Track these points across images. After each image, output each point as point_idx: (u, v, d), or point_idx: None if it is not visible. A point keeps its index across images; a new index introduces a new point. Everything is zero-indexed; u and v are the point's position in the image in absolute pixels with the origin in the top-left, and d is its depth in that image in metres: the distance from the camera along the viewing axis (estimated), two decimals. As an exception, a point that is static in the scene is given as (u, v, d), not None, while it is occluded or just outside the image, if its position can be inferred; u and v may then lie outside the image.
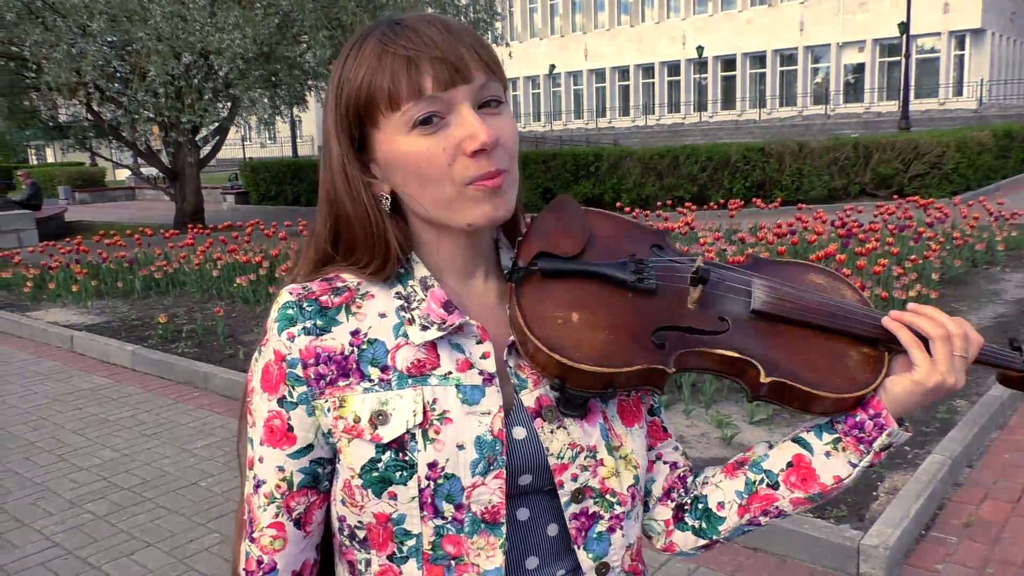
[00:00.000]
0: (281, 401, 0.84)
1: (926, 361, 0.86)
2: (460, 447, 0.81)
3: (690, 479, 1.01)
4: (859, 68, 36.06)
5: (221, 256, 8.83)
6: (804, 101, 37.07)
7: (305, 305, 0.84)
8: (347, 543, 0.87)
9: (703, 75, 40.26)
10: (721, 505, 0.96)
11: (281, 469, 0.86)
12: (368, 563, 0.86)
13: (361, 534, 0.85)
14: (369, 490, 0.82)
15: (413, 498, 0.81)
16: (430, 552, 0.83)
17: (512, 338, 0.87)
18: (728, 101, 39.60)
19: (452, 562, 0.83)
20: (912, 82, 32.60)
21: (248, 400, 0.88)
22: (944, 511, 3.31)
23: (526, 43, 42.49)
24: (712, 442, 3.93)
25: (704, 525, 0.97)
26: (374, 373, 0.83)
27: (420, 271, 0.88)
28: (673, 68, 41.36)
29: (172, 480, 4.10)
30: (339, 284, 0.87)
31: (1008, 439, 4.05)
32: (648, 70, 42.25)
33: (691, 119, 39.02)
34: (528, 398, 0.86)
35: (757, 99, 38.34)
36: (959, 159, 14.94)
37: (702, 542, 0.98)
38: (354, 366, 0.83)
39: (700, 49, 38.55)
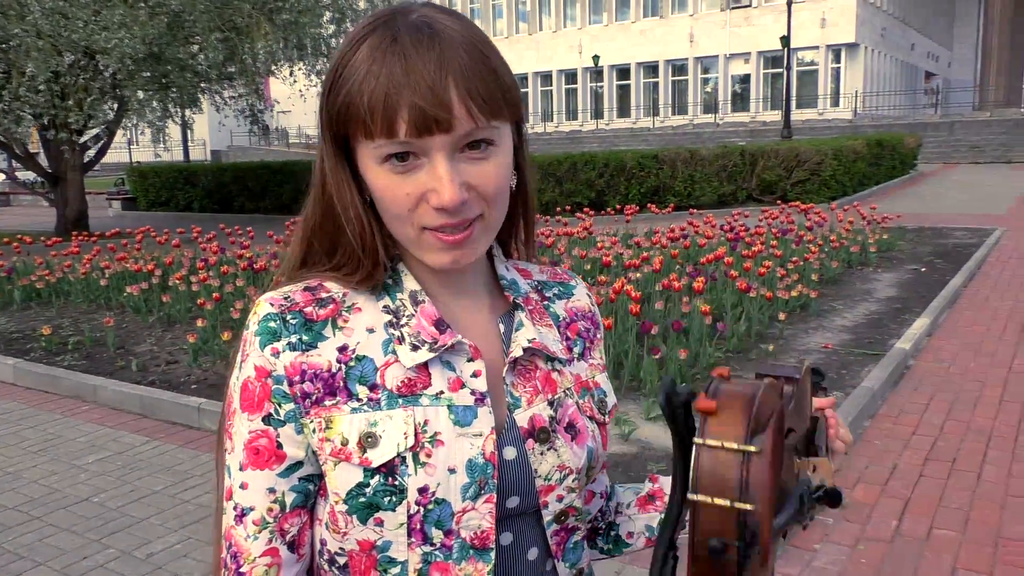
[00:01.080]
0: (267, 419, 0.79)
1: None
2: (451, 471, 0.77)
3: (605, 502, 1.00)
4: (745, 79, 37.72)
5: (109, 264, 8.49)
6: (695, 110, 38.48)
7: (289, 318, 0.79)
8: (325, 567, 0.83)
9: (599, 83, 41.21)
10: (631, 535, 0.99)
11: (272, 491, 0.80)
12: None
13: (341, 560, 0.80)
14: (354, 516, 0.77)
15: (401, 524, 0.77)
16: None
17: (513, 356, 0.84)
18: (623, 109, 40.68)
19: None
20: (793, 93, 34.42)
21: (227, 425, 0.82)
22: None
23: (425, 48, 42.38)
24: (612, 439, 4.09)
25: (611, 548, 1.01)
26: (362, 392, 0.79)
27: (410, 284, 0.84)
28: (570, 76, 42.16)
29: (62, 497, 3.94)
30: (323, 295, 0.82)
31: (878, 427, 4.37)
32: (546, 78, 42.91)
33: (588, 126, 39.85)
34: (521, 417, 0.83)
35: (651, 107, 39.54)
36: (836, 166, 15.86)
37: (603, 558, 1.02)
38: (341, 384, 0.79)
39: (596, 58, 39.45)
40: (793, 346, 5.76)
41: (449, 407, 0.79)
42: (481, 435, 0.79)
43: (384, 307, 0.82)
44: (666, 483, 0.98)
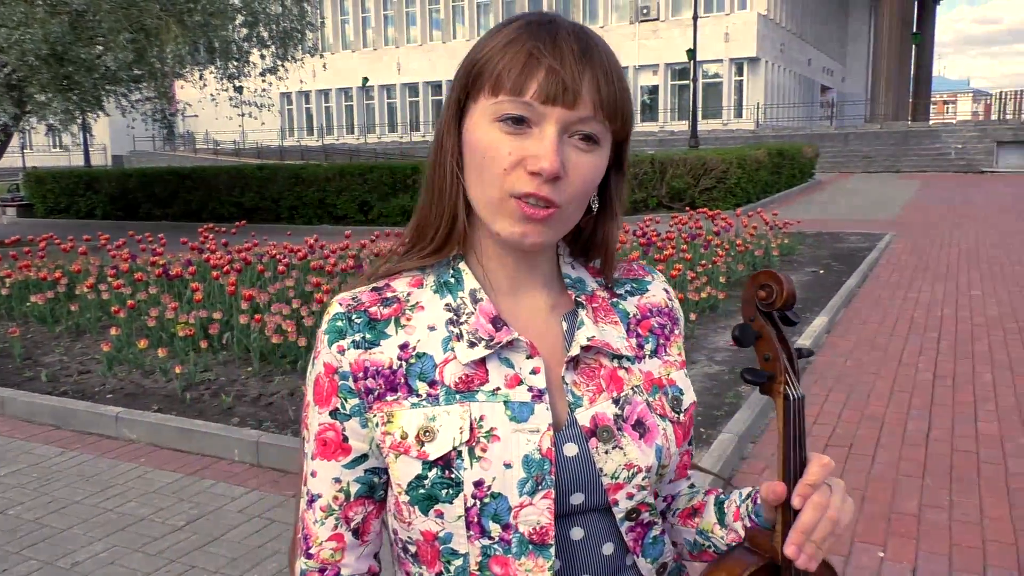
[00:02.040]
0: (334, 413, 0.84)
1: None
2: (507, 465, 0.79)
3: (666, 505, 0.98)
4: (654, 90, 38.77)
5: (11, 273, 8.15)
6: (607, 119, 39.28)
7: (354, 317, 0.84)
8: (402, 555, 0.87)
9: (513, 92, 41.61)
10: (674, 544, 0.97)
11: (337, 480, 0.85)
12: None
13: (412, 549, 0.85)
14: (416, 507, 0.81)
15: (459, 517, 0.80)
16: (477, 572, 0.82)
17: (572, 354, 0.85)
18: (537, 117, 41.16)
19: None
20: (700, 104, 35.60)
21: (303, 416, 0.88)
22: (732, 480, 3.80)
23: (338, 55, 41.93)
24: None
25: None
26: (422, 388, 0.82)
27: (470, 282, 0.86)
28: (485, 84, 42.42)
29: (-26, 511, 3.81)
30: (389, 294, 0.86)
31: (783, 417, 4.66)
32: (460, 85, 43.02)
33: (503, 134, 40.15)
34: (583, 416, 0.84)
35: (564, 116, 40.13)
36: (741, 175, 16.55)
37: None
38: (402, 380, 0.82)
39: (510, 67, 39.85)
40: (704, 345, 6.05)
41: (505, 403, 0.81)
42: (538, 431, 0.80)
43: (446, 305, 0.85)
44: (708, 511, 0.95)
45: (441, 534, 0.81)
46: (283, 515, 3.58)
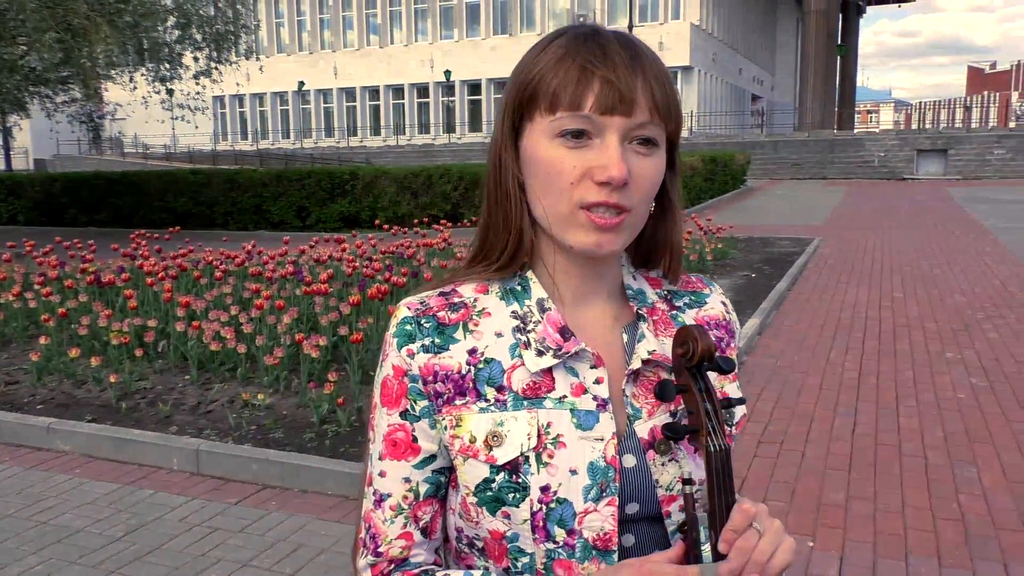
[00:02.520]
0: (404, 414, 0.86)
1: None
2: (573, 472, 0.81)
3: None
4: (591, 97, 39.30)
5: (-70, 281, 7.82)
6: (544, 126, 39.63)
7: (423, 322, 0.85)
8: (466, 551, 0.89)
9: (451, 98, 41.63)
10: None
11: (407, 480, 0.87)
12: (488, 570, 0.87)
13: (479, 544, 0.86)
14: (483, 508, 0.83)
15: (525, 520, 0.81)
16: (543, 571, 0.83)
17: (633, 367, 0.86)
18: (475, 123, 41.27)
19: None
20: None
21: (370, 418, 0.90)
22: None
23: (273, 58, 41.25)
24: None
25: None
26: (490, 393, 0.84)
27: (538, 292, 0.87)
28: (422, 90, 42.34)
29: None
30: (456, 300, 0.88)
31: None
32: (398, 91, 42.87)
33: (441, 140, 40.14)
34: (642, 428, 0.86)
35: (502, 122, 40.32)
36: (676, 181, 16.91)
37: None
38: (470, 385, 0.84)
39: (448, 73, 39.84)
40: (642, 347, 6.19)
41: (572, 411, 0.83)
42: (603, 439, 0.83)
43: (512, 312, 0.87)
44: None
45: (508, 533, 0.83)
46: (225, 523, 3.55)
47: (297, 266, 7.66)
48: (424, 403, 0.85)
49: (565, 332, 0.85)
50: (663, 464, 0.85)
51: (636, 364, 0.86)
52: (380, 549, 0.88)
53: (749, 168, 26.13)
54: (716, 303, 0.97)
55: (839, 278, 9.56)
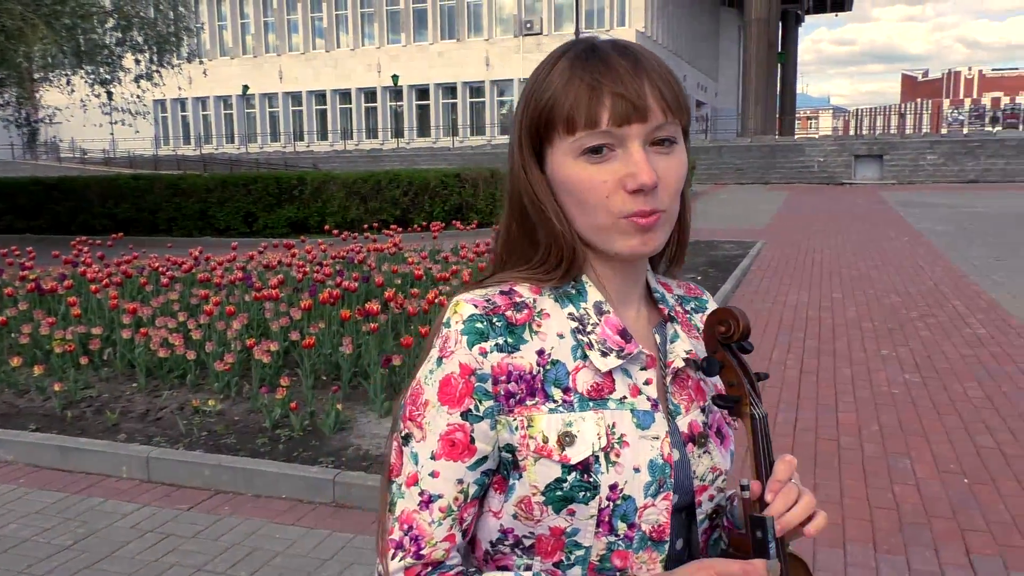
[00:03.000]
0: (466, 414, 0.84)
1: None
2: (636, 470, 0.85)
3: None
4: (539, 103, 39.57)
5: None
6: (492, 130, 39.75)
7: (494, 320, 0.85)
8: (506, 551, 0.89)
9: (399, 103, 41.49)
10: None
11: (460, 481, 0.85)
12: (528, 567, 0.88)
13: (528, 543, 0.87)
14: (549, 507, 0.84)
15: (591, 516, 0.84)
16: (597, 563, 0.87)
17: (675, 367, 0.91)
18: (423, 128, 41.21)
19: (617, 573, 0.87)
20: (583, 117, 36.49)
21: (411, 412, 0.87)
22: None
23: (216, 61, 40.56)
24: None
25: None
26: (557, 394, 0.85)
27: (594, 295, 0.90)
28: (370, 95, 42.10)
29: None
30: (518, 299, 0.88)
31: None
32: (345, 95, 42.55)
33: (389, 145, 39.97)
34: (682, 423, 0.91)
35: (450, 127, 40.37)
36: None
37: None
38: (539, 386, 0.85)
39: (395, 78, 39.71)
40: (591, 349, 6.30)
41: (632, 411, 0.87)
42: (658, 438, 0.87)
43: (569, 315, 0.89)
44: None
45: (569, 529, 0.85)
46: (178, 529, 3.53)
47: (246, 272, 7.59)
48: (489, 403, 0.84)
49: (625, 334, 0.89)
50: (699, 456, 0.90)
51: (679, 363, 0.91)
52: (423, 551, 0.86)
53: (694, 173, 26.60)
54: (713, 308, 1.05)
55: (781, 280, 9.84)
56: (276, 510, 3.71)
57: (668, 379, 0.91)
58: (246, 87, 42.68)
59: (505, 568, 0.89)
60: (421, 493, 0.85)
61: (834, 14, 66.56)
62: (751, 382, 0.90)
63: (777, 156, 33.34)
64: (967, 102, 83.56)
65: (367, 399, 4.89)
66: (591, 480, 0.83)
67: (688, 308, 1.01)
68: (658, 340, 0.93)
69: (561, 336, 0.87)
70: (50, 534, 3.51)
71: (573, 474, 0.83)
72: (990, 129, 45.16)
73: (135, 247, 10.18)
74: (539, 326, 0.87)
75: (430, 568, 0.86)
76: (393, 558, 0.86)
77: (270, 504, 3.77)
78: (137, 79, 15.28)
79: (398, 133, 41.08)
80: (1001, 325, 7.17)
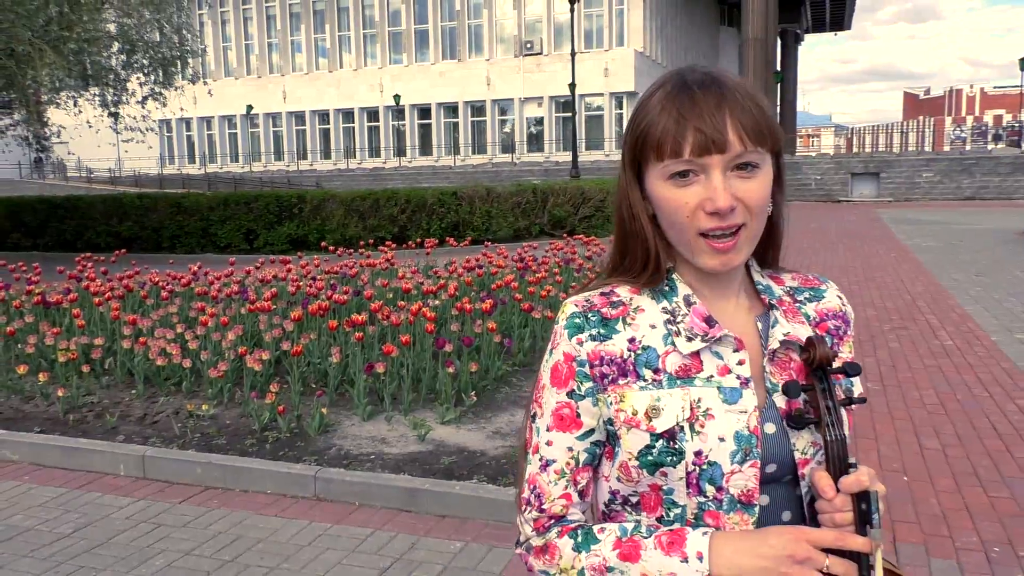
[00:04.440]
0: (570, 394, 1.02)
1: None
2: (721, 439, 0.97)
3: None
4: (540, 121, 39.99)
5: None
6: (494, 149, 40.21)
7: (590, 315, 1.02)
8: (619, 509, 1.05)
9: (401, 122, 41.99)
10: None
11: (570, 449, 1.02)
12: (639, 523, 1.01)
13: (634, 500, 1.02)
14: (644, 470, 0.98)
15: (681, 478, 0.97)
16: (692, 520, 0.99)
17: (771, 348, 1.02)
18: (425, 147, 41.69)
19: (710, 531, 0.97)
20: (583, 135, 36.98)
21: (536, 395, 1.06)
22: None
23: (221, 82, 41.17)
24: (411, 440, 4.61)
25: None
26: (647, 374, 0.99)
27: (683, 290, 1.03)
28: (372, 114, 42.63)
29: None
30: (615, 298, 1.04)
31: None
32: (348, 115, 43.09)
33: (391, 163, 40.42)
34: (780, 400, 1.01)
35: (452, 146, 40.84)
36: (617, 204, 17.48)
37: None
38: (631, 368, 1.00)
39: (397, 97, 40.22)
40: (571, 359, 6.58)
41: (719, 388, 0.99)
42: (746, 412, 0.98)
43: (663, 308, 1.03)
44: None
45: (665, 487, 0.99)
46: (170, 519, 3.82)
47: (242, 286, 7.90)
48: (589, 384, 1.01)
49: (710, 320, 1.01)
50: (798, 430, 1.00)
51: (775, 344, 1.03)
52: (544, 506, 1.03)
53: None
54: (832, 297, 1.13)
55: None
56: (261, 503, 3.99)
57: (766, 360, 1.02)
58: (250, 107, 43.26)
59: (622, 523, 1.03)
60: (541, 459, 1.04)
61: (833, 33, 67.21)
62: (834, 406, 0.98)
63: (774, 174, 33.64)
64: (969, 119, 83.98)
65: (352, 404, 5.19)
66: (676, 447, 0.96)
67: (801, 298, 1.11)
68: (760, 327, 1.05)
69: (653, 327, 1.02)
70: (51, 524, 3.80)
71: (660, 442, 0.97)
72: (992, 146, 45.44)
73: (137, 263, 10.50)
74: (632, 319, 1.02)
75: (552, 520, 1.04)
76: (524, 512, 1.06)
77: (255, 498, 4.06)
78: (142, 100, 15.69)
79: (400, 152, 41.55)
80: (969, 337, 7.43)
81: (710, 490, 0.97)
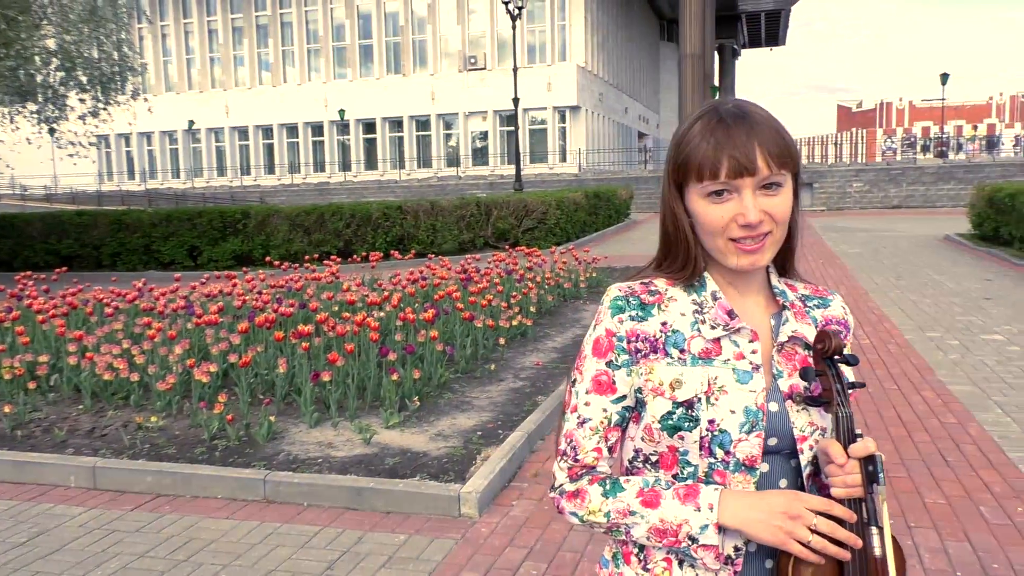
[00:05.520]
0: (609, 363, 1.21)
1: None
2: (732, 412, 1.15)
3: None
4: (484, 135, 40.31)
5: None
6: (439, 163, 40.39)
7: (631, 299, 1.21)
8: (640, 466, 1.23)
9: (346, 136, 41.92)
10: None
11: (604, 411, 1.21)
12: (658, 479, 1.19)
13: (654, 458, 1.21)
14: (664, 432, 1.16)
15: (695, 441, 1.15)
16: (703, 477, 1.17)
17: (781, 340, 1.21)
18: (371, 162, 41.67)
19: (719, 488, 1.16)
20: (528, 149, 37.45)
21: (578, 363, 1.25)
22: (521, 469, 4.56)
23: (161, 96, 40.60)
24: (356, 444, 4.82)
25: None
26: (674, 353, 1.18)
27: (712, 286, 1.22)
28: (317, 128, 42.47)
29: None
30: (653, 288, 1.23)
31: (571, 419, 5.51)
32: (292, 129, 42.85)
33: (336, 178, 40.31)
34: (783, 384, 1.20)
35: (397, 160, 40.92)
36: (560, 216, 17.87)
37: None
38: (661, 346, 1.19)
39: (342, 112, 40.17)
40: (512, 366, 6.85)
41: (733, 370, 1.18)
42: (755, 392, 1.17)
43: (692, 300, 1.22)
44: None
45: (681, 449, 1.17)
46: (123, 526, 3.97)
47: (188, 301, 7.99)
48: (625, 357, 1.21)
49: (731, 314, 1.20)
50: (797, 411, 1.19)
51: (783, 338, 1.22)
52: (578, 457, 1.22)
53: (632, 202, 27.52)
54: (837, 306, 1.32)
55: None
56: (212, 507, 4.16)
57: (775, 350, 1.21)
58: (192, 122, 42.73)
59: (643, 477, 1.22)
60: (579, 417, 1.23)
61: (768, 48, 69.20)
62: (843, 389, 1.17)
63: (714, 185, 34.55)
64: (899, 131, 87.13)
65: (299, 412, 5.37)
66: (693, 415, 1.15)
67: (810, 304, 1.30)
68: (773, 323, 1.24)
69: (683, 314, 1.21)
70: (5, 534, 3.92)
71: (680, 409, 1.15)
72: (921, 157, 47.23)
73: (79, 281, 10.46)
74: (666, 307, 1.21)
75: (584, 470, 1.22)
76: (560, 461, 1.25)
77: (207, 503, 4.23)
78: (83, 117, 15.54)
79: (345, 166, 41.46)
80: (884, 336, 7.93)
81: (719, 453, 1.15)
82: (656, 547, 1.19)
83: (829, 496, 1.15)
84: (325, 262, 11.72)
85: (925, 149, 59.69)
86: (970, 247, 15.81)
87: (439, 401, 5.73)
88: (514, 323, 7.74)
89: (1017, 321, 8.41)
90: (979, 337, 7.70)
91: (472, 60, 39.44)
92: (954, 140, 48.84)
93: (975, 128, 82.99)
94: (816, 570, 1.12)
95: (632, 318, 1.20)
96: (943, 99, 43.87)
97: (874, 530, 1.13)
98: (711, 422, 1.16)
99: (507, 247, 15.51)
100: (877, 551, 1.12)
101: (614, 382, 1.21)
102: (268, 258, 14.83)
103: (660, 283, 1.24)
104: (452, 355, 6.46)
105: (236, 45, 43.13)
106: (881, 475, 1.12)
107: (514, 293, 8.79)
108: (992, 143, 45.93)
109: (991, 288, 10.74)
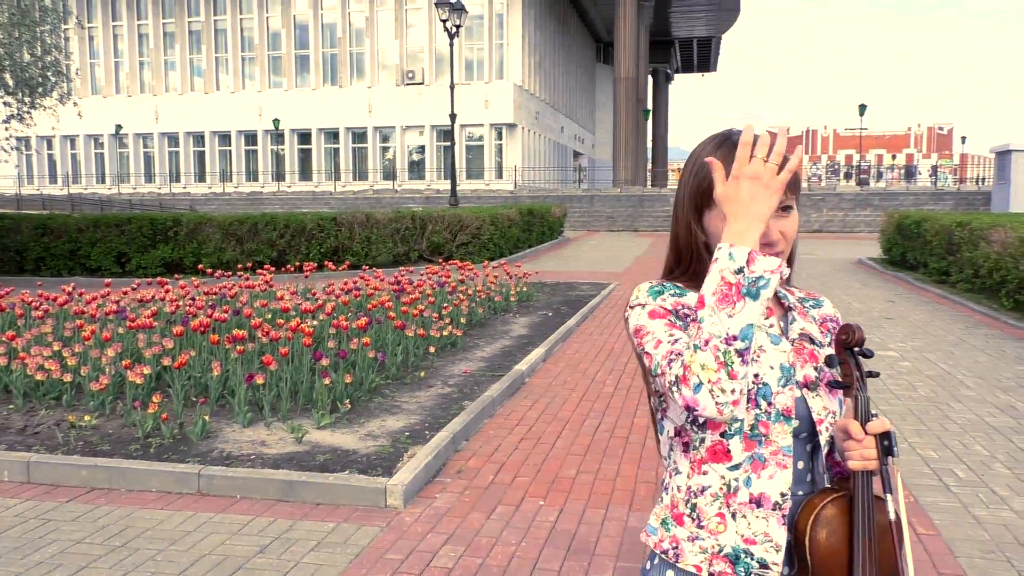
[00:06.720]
0: (668, 321, 1.32)
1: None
2: (771, 367, 1.31)
3: None
4: (421, 150, 40.61)
5: None
6: (375, 176, 40.47)
7: (665, 284, 1.37)
8: (688, 427, 1.35)
9: (280, 146, 41.64)
10: None
11: (672, 334, 1.30)
12: (702, 440, 1.33)
13: (701, 420, 1.32)
14: None
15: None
16: (749, 432, 1.30)
17: (791, 337, 1.39)
18: (305, 172, 41.46)
19: (762, 438, 1.30)
20: (465, 165, 37.86)
21: (640, 340, 1.32)
22: (446, 466, 4.86)
23: (87, 99, 39.61)
24: (288, 442, 5.05)
25: None
26: None
27: None
28: (250, 137, 42.07)
29: None
30: (678, 284, 1.39)
31: (494, 423, 5.83)
32: (225, 137, 42.35)
33: (270, 188, 39.96)
34: (798, 375, 1.35)
35: (333, 172, 40.81)
36: (494, 231, 18.25)
37: None
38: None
39: (276, 121, 39.90)
40: (441, 374, 7.14)
41: (767, 334, 1.36)
42: (785, 352, 1.35)
43: None
44: None
45: None
46: (59, 515, 4.11)
47: (120, 306, 8.04)
48: (678, 321, 1.33)
49: None
50: (813, 397, 1.34)
51: (794, 335, 1.40)
52: (673, 360, 1.26)
53: (566, 220, 28.09)
54: (828, 307, 1.52)
55: (622, 315, 10.97)
56: (147, 499, 4.34)
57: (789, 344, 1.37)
58: (119, 126, 41.81)
59: (687, 444, 1.36)
60: (671, 342, 1.28)
61: (700, 74, 71.37)
62: (862, 376, 1.34)
63: (644, 205, 35.50)
64: (824, 158, 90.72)
65: (233, 413, 5.56)
66: None
67: (807, 306, 1.49)
68: (782, 324, 1.41)
69: None
70: (-60, 524, 4.02)
71: None
72: (843, 183, 49.31)
73: (3, 285, 10.33)
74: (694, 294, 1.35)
75: (672, 355, 1.26)
76: (670, 367, 1.24)
77: (142, 496, 4.40)
78: (7, 120, 15.24)
79: (279, 176, 41.12)
80: (790, 351, 8.49)
81: (763, 404, 1.29)
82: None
83: (844, 473, 1.37)
84: (258, 271, 11.80)
85: (848, 176, 62.44)
86: (880, 271, 16.79)
87: (370, 404, 5.99)
88: (444, 333, 8.04)
89: (911, 339, 9.11)
90: (875, 352, 8.33)
91: (410, 74, 39.72)
92: (875, 168, 51.24)
93: (894, 157, 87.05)
94: (831, 530, 1.28)
95: (673, 295, 1.35)
96: (863, 128, 45.96)
97: (889, 497, 1.27)
98: (756, 376, 1.30)
99: (441, 261, 15.79)
100: (892, 515, 1.28)
101: (674, 323, 1.32)
102: (200, 266, 14.76)
103: (681, 285, 1.40)
104: (383, 362, 6.72)
105: (167, 50, 42.50)
106: (895, 448, 1.27)
107: (446, 305, 9.09)
108: (910, 172, 48.36)
109: (892, 309, 11.53)
